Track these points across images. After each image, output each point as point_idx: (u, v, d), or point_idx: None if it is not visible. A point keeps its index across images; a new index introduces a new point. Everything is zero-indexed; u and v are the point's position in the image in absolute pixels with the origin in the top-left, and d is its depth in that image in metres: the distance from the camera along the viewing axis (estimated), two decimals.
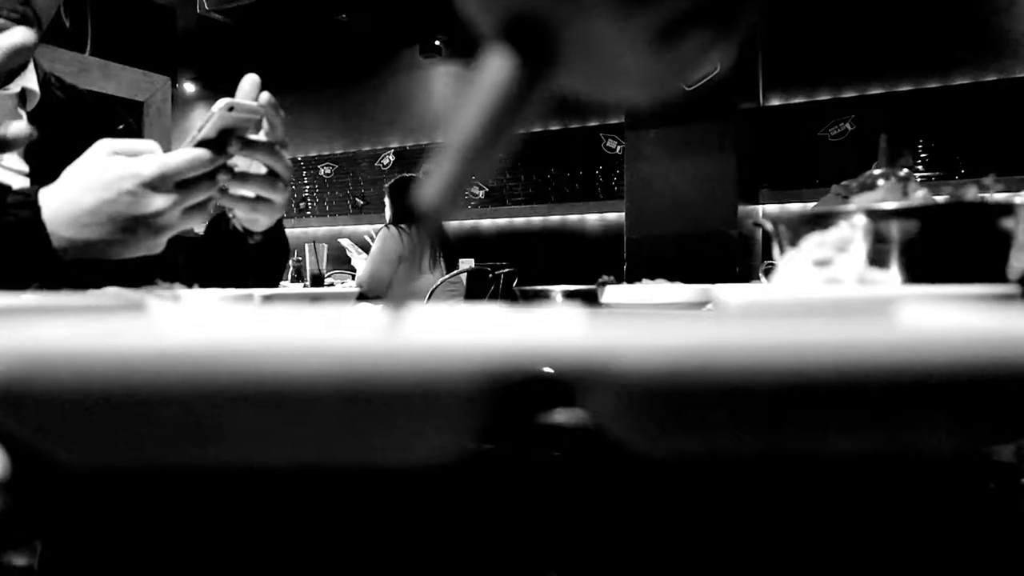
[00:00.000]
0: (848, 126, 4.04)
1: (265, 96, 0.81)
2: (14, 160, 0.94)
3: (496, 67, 0.20)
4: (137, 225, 0.73)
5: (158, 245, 0.76)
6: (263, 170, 0.83)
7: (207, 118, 0.73)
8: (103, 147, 0.74)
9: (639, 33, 0.18)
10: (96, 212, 0.72)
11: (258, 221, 0.91)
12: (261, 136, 0.82)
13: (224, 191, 0.81)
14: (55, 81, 1.03)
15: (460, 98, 0.20)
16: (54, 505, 0.24)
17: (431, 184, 0.20)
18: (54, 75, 1.04)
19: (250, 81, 0.81)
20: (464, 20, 0.20)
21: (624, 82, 0.20)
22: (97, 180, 0.72)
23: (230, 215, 0.94)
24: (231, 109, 0.74)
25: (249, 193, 0.84)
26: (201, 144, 0.74)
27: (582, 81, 0.20)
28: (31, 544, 0.23)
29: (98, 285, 0.65)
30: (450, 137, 0.20)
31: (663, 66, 0.19)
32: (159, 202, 0.72)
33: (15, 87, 0.94)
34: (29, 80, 0.96)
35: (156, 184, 0.72)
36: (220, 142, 0.75)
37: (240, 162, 0.81)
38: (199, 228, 0.87)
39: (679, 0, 0.18)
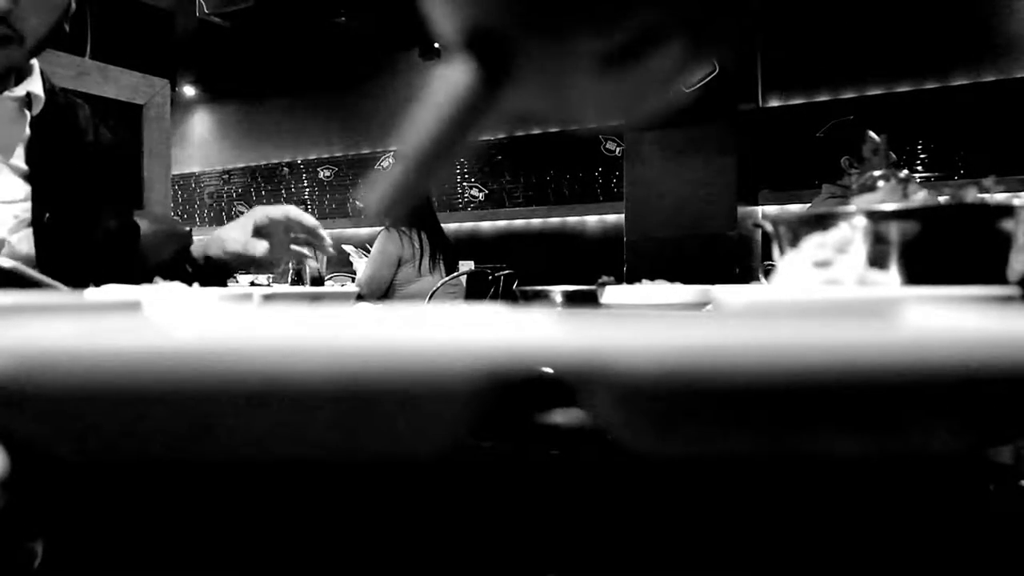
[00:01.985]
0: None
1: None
2: (16, 159, 0.96)
3: (454, 75, 0.20)
4: None
5: None
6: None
7: None
8: None
9: (585, 57, 0.18)
10: None
11: None
12: None
13: None
14: (59, 90, 1.06)
15: (416, 103, 0.20)
16: (54, 502, 0.24)
17: (379, 188, 0.20)
18: (59, 87, 1.07)
19: None
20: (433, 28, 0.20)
21: (576, 103, 0.20)
22: None
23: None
24: None
25: None
26: None
27: (536, 98, 0.20)
28: (32, 540, 0.23)
29: (98, 284, 0.66)
30: (405, 141, 0.20)
31: (615, 90, 0.19)
32: None
33: (20, 90, 0.96)
34: (34, 85, 0.98)
35: None
36: None
37: None
38: None
39: (624, 28, 0.18)
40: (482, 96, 0.19)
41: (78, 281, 0.86)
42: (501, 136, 5.07)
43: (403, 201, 0.20)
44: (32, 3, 0.89)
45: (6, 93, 0.95)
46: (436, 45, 5.10)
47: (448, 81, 0.20)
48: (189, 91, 6.08)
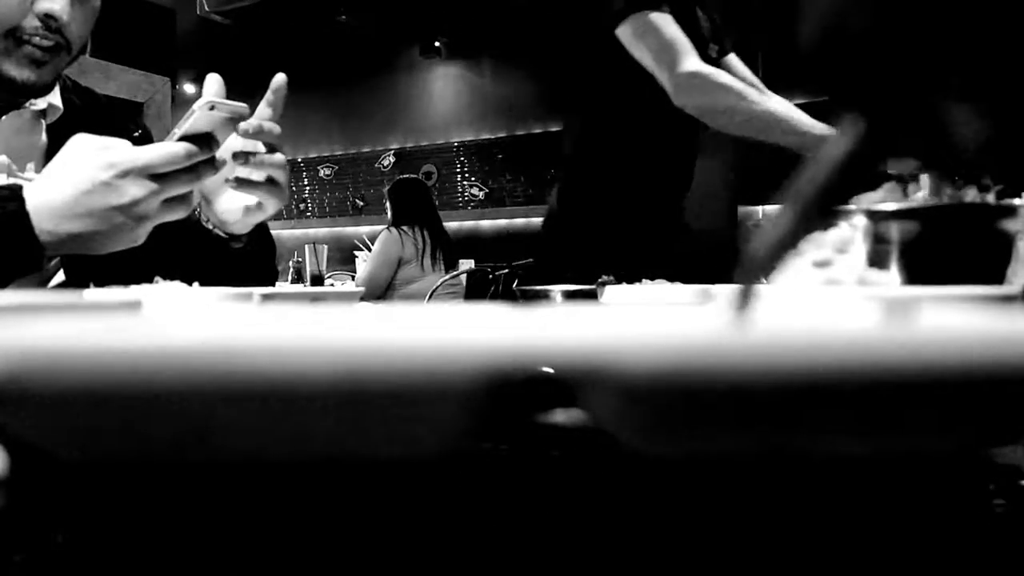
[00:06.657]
0: None
1: (280, 79, 0.86)
2: (31, 172, 0.94)
3: (844, 136, 0.20)
4: (116, 215, 0.73)
5: (139, 237, 0.77)
6: (263, 149, 0.86)
7: (187, 115, 0.74)
8: (79, 141, 0.75)
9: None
10: (74, 204, 0.73)
11: (263, 208, 0.92)
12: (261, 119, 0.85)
13: (242, 180, 0.85)
14: (70, 84, 1.04)
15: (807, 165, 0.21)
16: (54, 503, 0.24)
17: (762, 240, 0.20)
18: (69, 78, 1.04)
19: (216, 80, 0.83)
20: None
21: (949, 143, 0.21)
22: (73, 172, 0.73)
23: (207, 224, 0.94)
24: (212, 108, 0.75)
25: (259, 177, 0.86)
26: (183, 139, 0.75)
27: (916, 151, 0.21)
28: (31, 542, 0.23)
29: (99, 283, 0.66)
30: (791, 199, 0.20)
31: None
32: (134, 191, 0.73)
33: (42, 103, 0.95)
34: (53, 95, 0.97)
35: (130, 174, 0.73)
36: (201, 138, 0.76)
37: (246, 146, 0.85)
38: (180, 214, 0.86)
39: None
40: (868, 150, 0.20)
41: (83, 278, 0.86)
42: (501, 135, 5.06)
43: (785, 256, 0.20)
44: (79, 11, 0.89)
45: (27, 105, 0.94)
46: (436, 44, 5.10)
47: (839, 142, 0.20)
48: (190, 89, 6.07)
